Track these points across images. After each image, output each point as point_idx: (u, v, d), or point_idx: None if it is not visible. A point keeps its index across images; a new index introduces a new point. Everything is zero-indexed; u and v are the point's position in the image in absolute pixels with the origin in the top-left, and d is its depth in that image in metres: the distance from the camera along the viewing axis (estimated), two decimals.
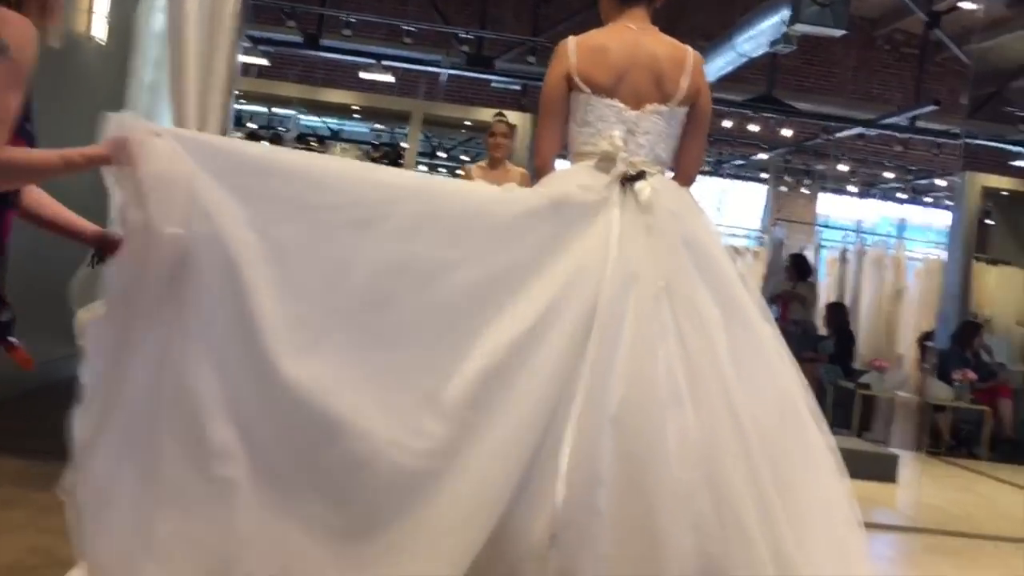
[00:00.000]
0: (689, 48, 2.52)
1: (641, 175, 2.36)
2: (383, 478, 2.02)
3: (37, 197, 2.22)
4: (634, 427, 2.09)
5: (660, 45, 2.48)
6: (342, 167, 2.26)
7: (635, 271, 2.24)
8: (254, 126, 10.37)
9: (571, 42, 2.48)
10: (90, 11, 5.22)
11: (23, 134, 1.95)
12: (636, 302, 2.21)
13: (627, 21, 2.51)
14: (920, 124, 10.72)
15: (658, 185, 2.38)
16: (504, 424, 2.07)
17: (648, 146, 2.42)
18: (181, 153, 2.07)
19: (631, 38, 2.47)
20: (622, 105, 2.42)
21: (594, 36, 2.50)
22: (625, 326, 2.17)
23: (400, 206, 2.17)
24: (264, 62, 10.05)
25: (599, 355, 2.12)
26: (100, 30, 5.31)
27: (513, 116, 6.05)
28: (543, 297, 2.18)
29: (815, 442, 2.33)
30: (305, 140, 9.16)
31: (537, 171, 2.54)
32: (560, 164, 2.55)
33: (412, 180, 2.44)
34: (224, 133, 3.79)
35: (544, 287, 2.19)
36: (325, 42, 9.67)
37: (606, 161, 2.38)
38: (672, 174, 2.54)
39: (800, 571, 2.15)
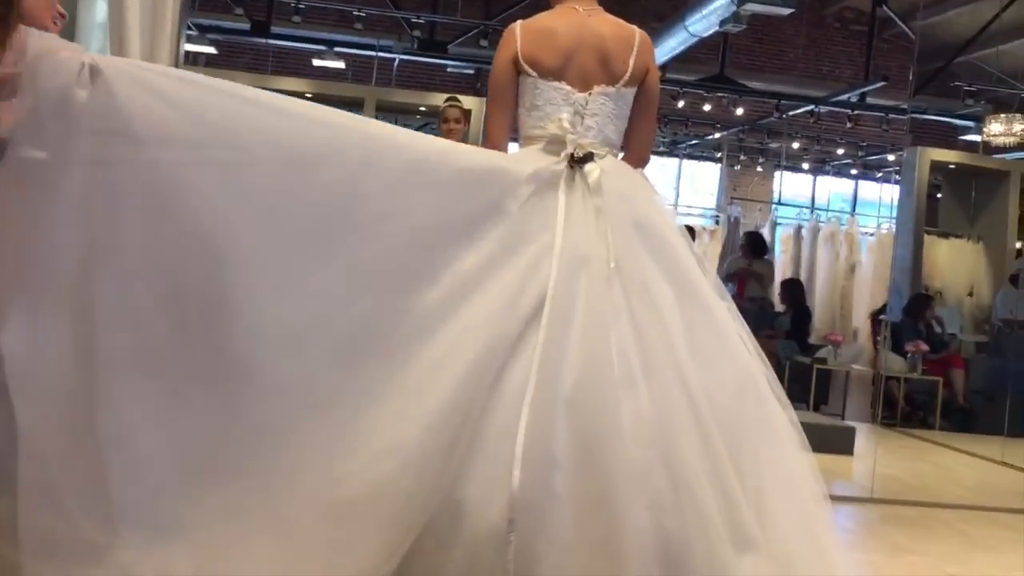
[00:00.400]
0: (636, 28, 2.53)
1: (589, 157, 2.37)
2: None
3: None
4: (588, 408, 2.09)
5: (607, 26, 2.49)
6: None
7: (585, 253, 2.24)
8: None
9: (517, 26, 2.48)
10: None
11: None
12: (587, 284, 2.21)
13: (573, 3, 2.52)
14: (870, 100, 10.87)
15: (607, 167, 2.39)
16: (438, 398, 2.04)
17: (597, 128, 2.43)
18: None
19: (577, 20, 2.48)
20: (569, 88, 2.43)
21: (540, 19, 2.50)
22: (576, 308, 2.17)
23: (345, 152, 2.09)
24: (212, 50, 9.91)
25: (550, 337, 2.12)
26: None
27: (467, 100, 6.03)
28: (481, 274, 2.16)
29: (777, 418, 2.35)
30: None
31: None
32: (512, 149, 2.55)
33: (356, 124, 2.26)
34: None
35: (484, 264, 2.16)
36: (275, 29, 9.55)
37: (555, 144, 2.39)
38: (623, 155, 2.55)
39: (760, 546, 2.18)
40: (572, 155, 2.35)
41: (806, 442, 2.36)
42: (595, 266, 2.23)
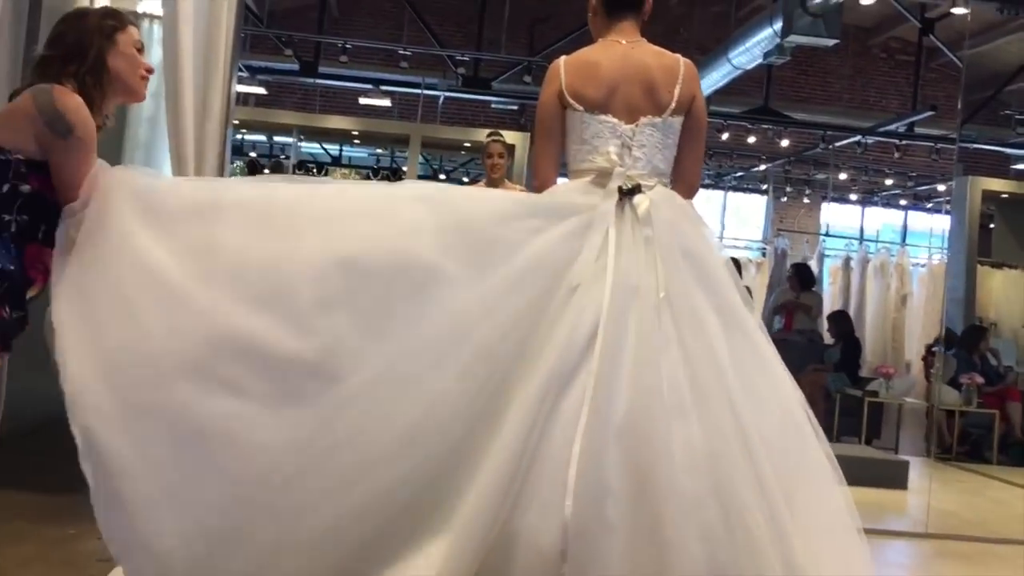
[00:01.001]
0: (680, 57, 2.54)
1: (638, 188, 2.38)
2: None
3: None
4: (640, 438, 2.10)
5: (651, 56, 2.51)
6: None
7: (635, 283, 2.26)
8: (254, 155, 10.43)
9: (562, 62, 2.51)
10: None
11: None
12: (638, 314, 2.22)
13: (616, 36, 2.54)
14: (918, 130, 10.75)
15: (656, 197, 2.40)
16: (499, 432, 2.09)
17: (645, 159, 2.44)
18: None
19: (620, 52, 2.50)
20: (616, 120, 2.44)
21: (584, 54, 2.53)
22: (628, 338, 2.19)
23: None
24: (262, 91, 10.13)
25: (602, 367, 2.13)
26: None
27: (511, 136, 6.09)
28: (540, 309, 2.21)
29: (815, 450, 2.34)
30: (305, 167, 9.19)
31: (537, 192, 2.57)
32: (561, 182, 2.57)
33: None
34: (222, 162, 3.82)
35: (540, 298, 2.21)
36: (323, 69, 9.74)
37: (603, 176, 2.41)
38: (672, 183, 2.56)
39: None
40: (620, 187, 2.37)
41: (841, 476, 2.34)
42: (645, 296, 2.24)
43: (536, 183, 2.56)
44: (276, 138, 10.72)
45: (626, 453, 2.08)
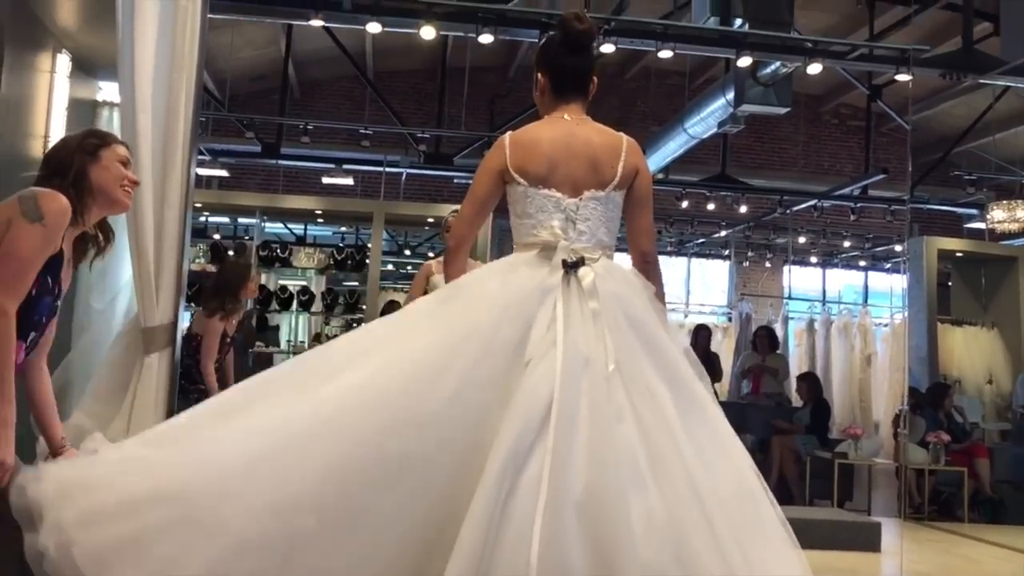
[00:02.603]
0: (622, 135, 2.61)
1: (582, 261, 2.41)
2: None
3: (40, 376, 2.46)
4: (599, 512, 2.08)
5: (594, 134, 2.57)
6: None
7: (585, 355, 2.26)
8: (218, 236, 10.42)
9: (507, 138, 2.56)
10: (46, 136, 5.28)
11: (47, 307, 2.32)
12: (589, 386, 2.23)
13: (562, 112, 2.61)
14: (872, 192, 11.00)
15: (600, 269, 2.43)
16: (464, 518, 2.06)
17: (589, 232, 2.48)
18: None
19: (564, 129, 2.56)
20: (559, 194, 2.49)
21: (528, 131, 2.59)
22: (581, 411, 2.18)
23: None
24: (224, 173, 10.17)
25: (558, 443, 2.12)
26: None
27: None
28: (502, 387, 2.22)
29: (769, 515, 2.34)
30: (269, 247, 9.19)
31: (448, 248, 2.63)
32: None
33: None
34: (181, 248, 3.82)
35: (499, 375, 2.23)
36: (285, 150, 9.83)
37: (548, 250, 2.45)
38: (614, 255, 2.61)
39: None
40: (565, 261, 2.40)
41: (795, 540, 2.33)
42: (595, 368, 2.25)
43: (452, 243, 2.59)
44: (240, 219, 10.73)
45: (586, 528, 2.07)
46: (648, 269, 2.62)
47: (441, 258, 5.53)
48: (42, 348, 2.43)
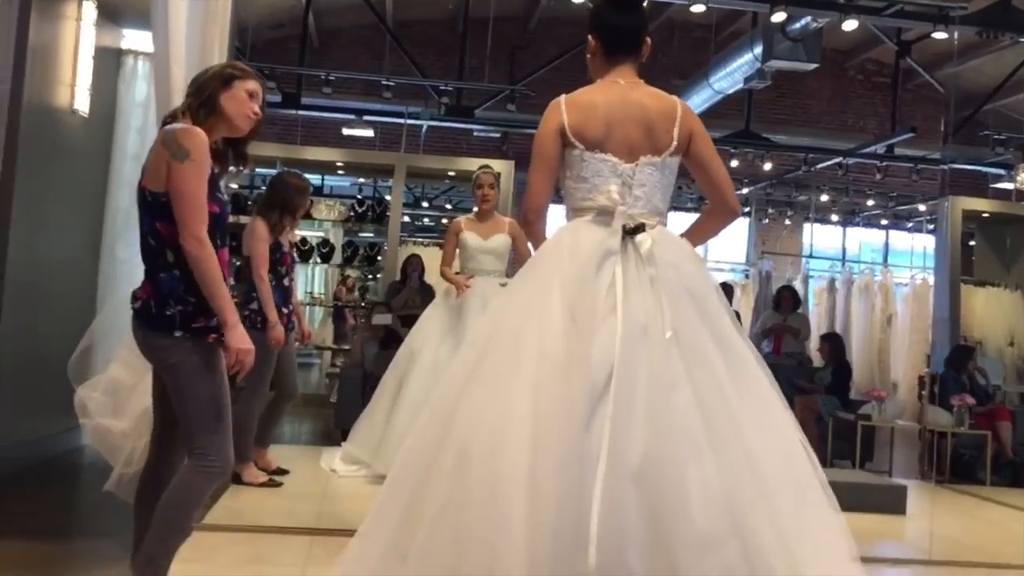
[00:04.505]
0: (676, 98, 2.57)
1: (641, 228, 2.38)
2: None
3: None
4: (657, 481, 2.08)
5: (649, 98, 2.52)
6: None
7: (644, 323, 2.24)
8: (235, 186, 10.36)
9: (562, 100, 2.51)
10: (73, 85, 5.22)
11: (217, 200, 2.65)
12: (648, 354, 2.21)
13: (615, 76, 2.55)
14: (897, 151, 10.85)
15: (657, 236, 2.40)
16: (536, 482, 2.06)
17: (645, 198, 2.45)
18: None
19: (619, 93, 2.51)
20: (616, 159, 2.45)
21: (584, 93, 2.53)
22: (640, 379, 2.16)
23: None
24: None
25: (618, 411, 2.11)
26: (83, 103, 5.30)
27: (495, 164, 6.06)
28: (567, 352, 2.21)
29: (813, 480, 2.34)
30: None
31: (528, 221, 2.58)
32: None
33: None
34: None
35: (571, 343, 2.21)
36: (305, 100, 9.72)
37: (604, 215, 2.41)
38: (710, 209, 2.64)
39: None
40: (624, 227, 2.36)
41: (836, 503, 2.34)
42: (653, 336, 2.23)
43: (529, 214, 2.55)
44: (258, 169, 10.67)
45: (644, 497, 2.06)
46: (727, 222, 2.66)
47: (470, 215, 5.49)
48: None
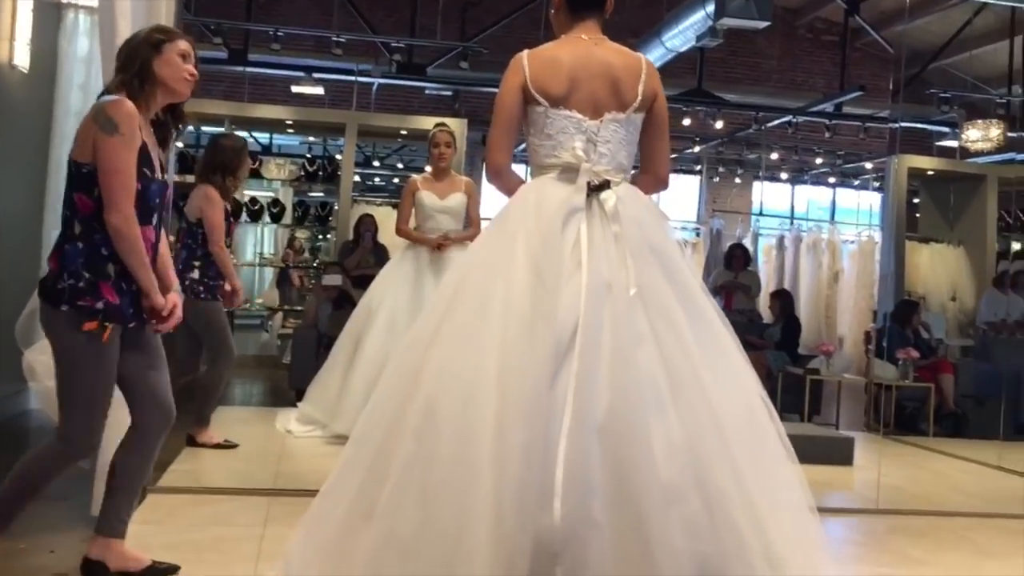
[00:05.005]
0: (641, 55, 2.56)
1: (606, 184, 2.38)
2: None
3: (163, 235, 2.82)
4: (621, 435, 2.10)
5: (614, 54, 2.51)
6: None
7: (608, 280, 2.25)
8: (180, 145, 10.14)
9: (525, 55, 2.49)
10: (11, 39, 5.05)
11: (157, 191, 2.65)
12: (612, 311, 2.23)
13: (579, 32, 2.54)
14: (845, 109, 10.97)
15: (622, 193, 2.41)
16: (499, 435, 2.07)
17: (610, 155, 2.45)
18: None
19: (583, 49, 2.49)
20: (580, 115, 2.44)
21: (547, 49, 2.52)
22: (604, 335, 2.18)
23: None
24: None
25: (583, 366, 2.13)
26: (22, 58, 5.14)
27: (448, 123, 6.01)
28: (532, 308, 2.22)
29: (772, 433, 2.40)
30: None
31: (492, 179, 2.56)
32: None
33: None
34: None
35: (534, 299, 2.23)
36: (252, 57, 9.51)
37: (569, 172, 2.41)
38: (641, 176, 2.59)
39: (788, 565, 2.18)
40: (589, 183, 2.36)
41: (794, 454, 2.40)
42: (618, 292, 2.25)
43: (491, 170, 2.53)
44: (204, 128, 10.45)
45: (608, 451, 2.09)
46: (654, 193, 2.62)
47: (426, 174, 5.45)
48: (166, 213, 2.83)
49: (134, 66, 2.62)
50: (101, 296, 2.53)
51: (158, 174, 2.66)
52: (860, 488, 5.10)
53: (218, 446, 4.80)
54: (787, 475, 2.39)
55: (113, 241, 2.52)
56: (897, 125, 8.99)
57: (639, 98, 2.48)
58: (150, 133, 2.67)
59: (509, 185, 2.52)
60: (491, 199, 3.62)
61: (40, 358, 3.36)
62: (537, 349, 2.14)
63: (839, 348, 9.85)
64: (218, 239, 4.62)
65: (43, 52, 5.43)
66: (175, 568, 2.95)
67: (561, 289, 2.21)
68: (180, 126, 2.83)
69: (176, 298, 2.73)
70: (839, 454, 5.41)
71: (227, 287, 4.62)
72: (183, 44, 2.69)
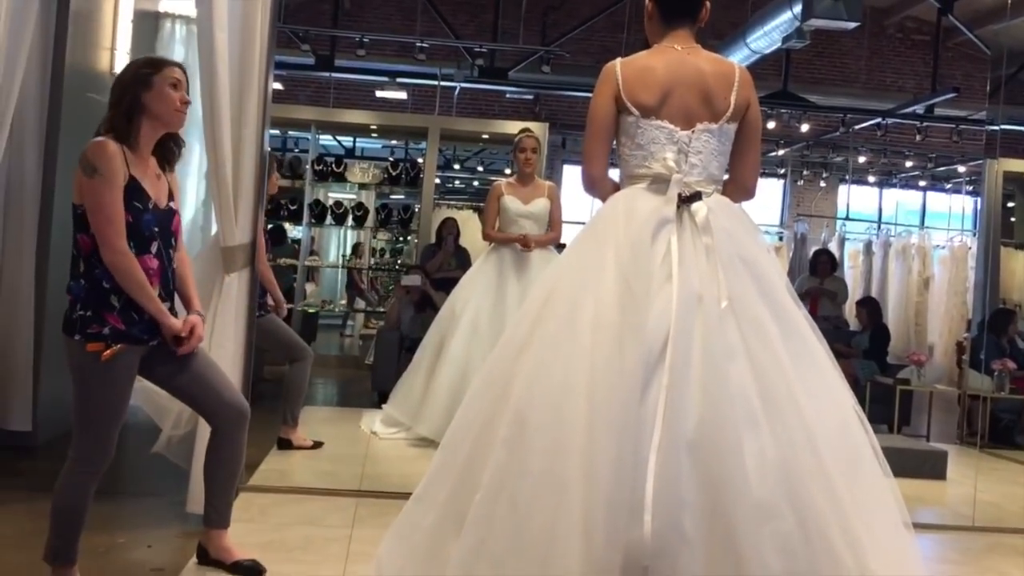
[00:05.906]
0: (735, 63, 2.53)
1: (697, 196, 2.36)
2: None
3: (183, 257, 2.92)
4: (712, 450, 2.08)
5: (706, 63, 2.48)
6: None
7: (698, 292, 2.23)
8: (268, 149, 10.40)
9: (617, 64, 2.48)
10: (112, 48, 5.23)
11: (152, 220, 2.70)
12: (703, 324, 2.20)
13: (671, 42, 2.52)
14: (937, 111, 10.65)
15: (713, 205, 2.38)
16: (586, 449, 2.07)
17: (701, 165, 2.42)
18: None
19: (676, 58, 2.47)
20: (672, 126, 2.42)
21: (639, 58, 2.50)
22: (695, 349, 2.16)
23: None
24: (277, 85, 10.07)
25: (673, 379, 2.11)
26: (122, 67, 5.32)
27: (531, 127, 6.03)
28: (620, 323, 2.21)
29: (867, 448, 2.34)
30: (323, 161, 9.17)
31: (589, 190, 2.57)
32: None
33: None
34: (261, 164, 3.79)
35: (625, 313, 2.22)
36: (338, 62, 9.69)
37: (660, 183, 2.39)
38: (728, 186, 2.56)
39: None
40: (680, 194, 2.34)
41: (889, 469, 2.34)
42: (708, 305, 2.22)
43: (588, 182, 2.54)
44: (290, 132, 10.69)
45: (699, 466, 2.07)
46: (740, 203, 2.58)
47: (510, 179, 5.48)
48: (177, 238, 2.83)
49: (123, 104, 2.67)
50: (107, 323, 2.63)
51: (155, 203, 2.71)
52: (954, 504, 4.94)
53: (304, 447, 4.89)
54: (882, 491, 2.33)
55: (114, 276, 2.61)
56: (996, 127, 8.67)
57: (731, 108, 2.44)
58: (145, 165, 2.72)
59: (606, 194, 2.52)
60: (574, 202, 3.62)
61: None
62: (627, 362, 2.13)
63: (929, 357, 9.57)
64: (260, 257, 4.77)
65: None
66: (260, 569, 3.02)
67: (651, 301, 2.19)
68: (179, 150, 2.86)
69: (196, 319, 2.79)
70: (931, 468, 5.24)
71: (270, 302, 4.78)
72: (173, 73, 2.73)
